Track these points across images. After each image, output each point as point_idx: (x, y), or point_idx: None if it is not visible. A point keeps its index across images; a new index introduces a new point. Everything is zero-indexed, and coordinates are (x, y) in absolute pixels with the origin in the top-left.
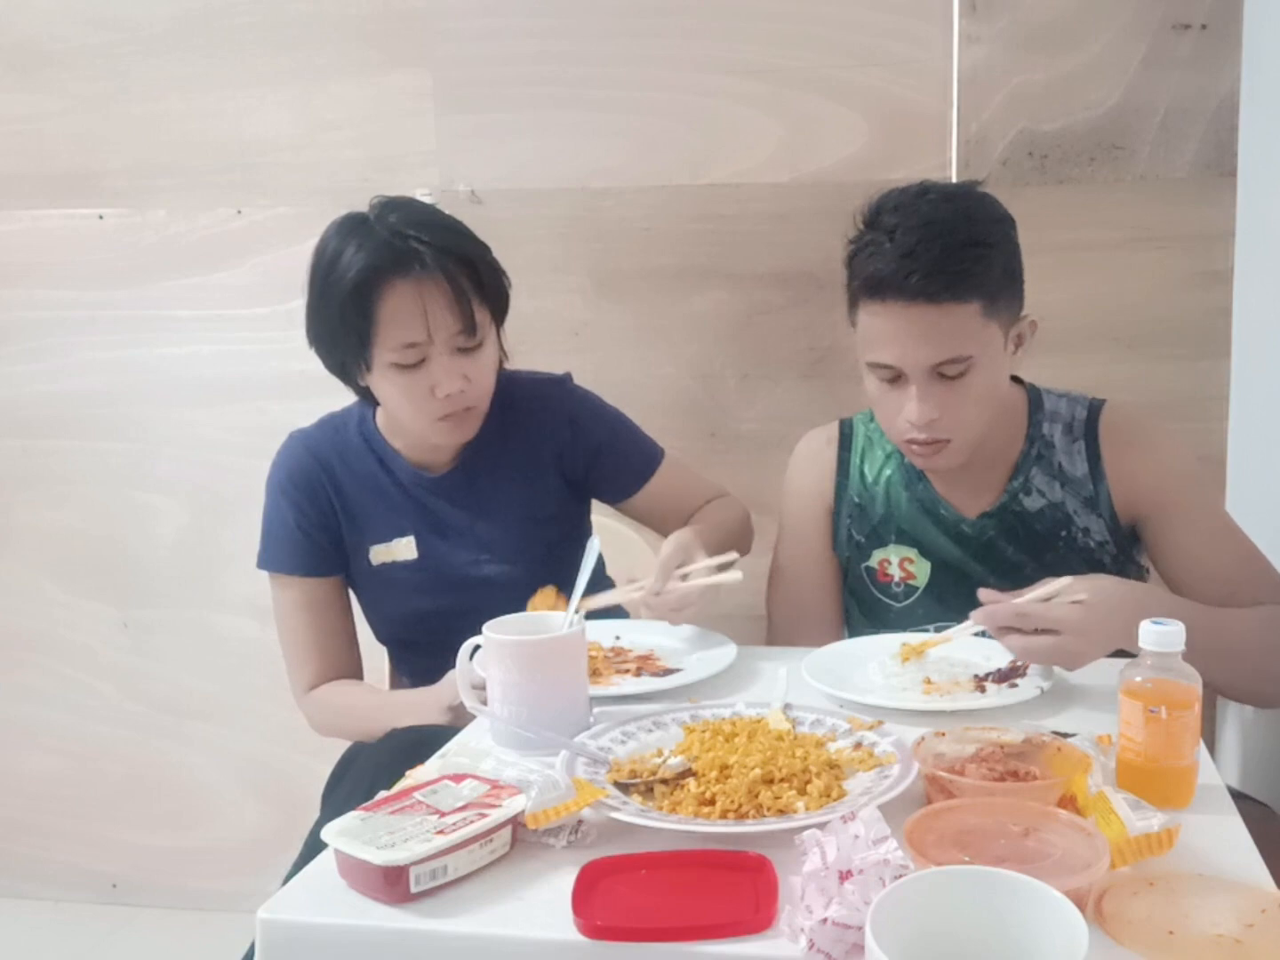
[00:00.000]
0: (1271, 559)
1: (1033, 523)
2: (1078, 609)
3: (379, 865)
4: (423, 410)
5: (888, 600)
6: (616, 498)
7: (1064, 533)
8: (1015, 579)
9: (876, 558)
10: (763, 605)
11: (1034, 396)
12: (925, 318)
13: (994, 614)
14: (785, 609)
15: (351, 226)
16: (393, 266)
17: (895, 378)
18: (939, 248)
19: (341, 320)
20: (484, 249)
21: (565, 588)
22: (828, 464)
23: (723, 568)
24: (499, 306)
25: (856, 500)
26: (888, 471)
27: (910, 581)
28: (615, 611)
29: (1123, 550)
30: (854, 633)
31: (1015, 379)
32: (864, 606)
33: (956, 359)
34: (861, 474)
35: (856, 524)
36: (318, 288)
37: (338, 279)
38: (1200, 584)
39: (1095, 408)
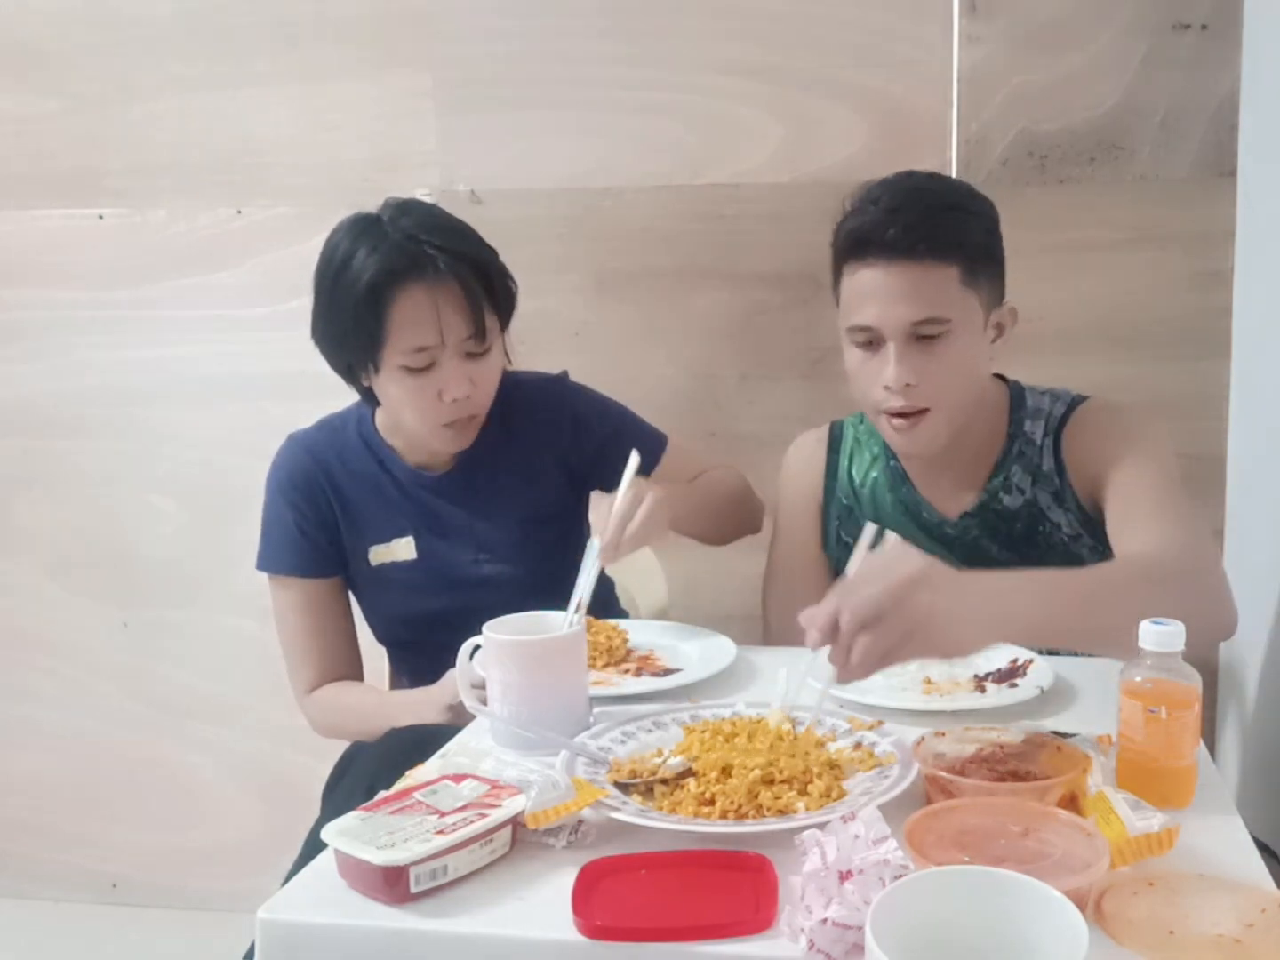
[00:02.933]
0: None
1: (1013, 521)
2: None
3: (379, 865)
4: (428, 414)
5: None
6: None
7: (1040, 529)
8: None
9: None
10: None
11: (1016, 394)
12: (906, 275)
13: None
14: (780, 610)
15: (363, 228)
16: (407, 270)
17: (874, 342)
18: (922, 206)
19: (354, 322)
20: (494, 254)
21: (564, 587)
22: (818, 465)
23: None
24: (507, 312)
25: (844, 501)
26: (874, 474)
27: None
28: (615, 611)
29: (1100, 541)
30: None
31: (999, 376)
32: None
33: (934, 319)
34: (849, 476)
35: (845, 525)
36: (328, 288)
37: (351, 281)
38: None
39: (1075, 403)
